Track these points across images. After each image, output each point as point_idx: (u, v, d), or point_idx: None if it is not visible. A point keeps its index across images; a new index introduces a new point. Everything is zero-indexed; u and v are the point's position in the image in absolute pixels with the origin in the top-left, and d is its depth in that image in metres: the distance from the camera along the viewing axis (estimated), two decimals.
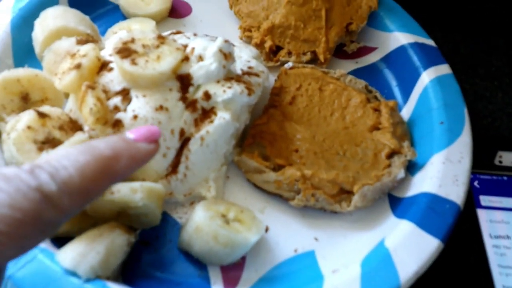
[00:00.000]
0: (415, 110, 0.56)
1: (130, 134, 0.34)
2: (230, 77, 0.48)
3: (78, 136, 0.40)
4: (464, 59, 0.74)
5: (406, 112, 0.57)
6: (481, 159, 0.59)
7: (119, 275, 0.42)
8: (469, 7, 0.80)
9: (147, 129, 0.35)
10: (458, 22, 0.78)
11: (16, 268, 0.39)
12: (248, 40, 0.62)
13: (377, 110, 0.54)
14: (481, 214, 0.55)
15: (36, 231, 0.27)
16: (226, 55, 0.47)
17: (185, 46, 0.48)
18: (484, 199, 0.56)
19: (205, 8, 0.66)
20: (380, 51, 0.62)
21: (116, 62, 0.45)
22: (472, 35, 0.76)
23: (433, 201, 0.46)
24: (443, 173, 0.48)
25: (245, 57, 0.53)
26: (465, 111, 0.53)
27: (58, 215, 0.28)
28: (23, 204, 0.26)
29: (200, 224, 0.43)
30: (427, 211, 0.45)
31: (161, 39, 0.46)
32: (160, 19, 0.63)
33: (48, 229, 0.28)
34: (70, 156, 0.29)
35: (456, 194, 0.46)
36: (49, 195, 0.27)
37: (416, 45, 0.59)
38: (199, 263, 0.45)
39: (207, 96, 0.47)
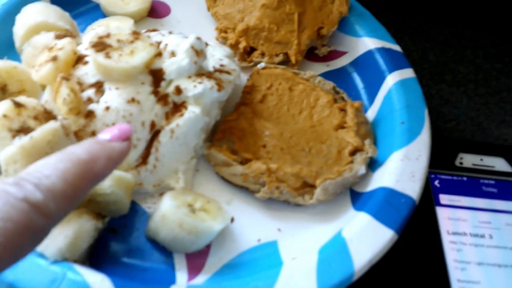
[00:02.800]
0: (379, 111, 0.58)
1: (103, 135, 0.36)
2: (201, 73, 0.51)
3: (51, 124, 0.42)
4: (432, 66, 0.77)
5: (371, 113, 0.59)
6: (443, 160, 0.62)
7: (86, 259, 0.44)
8: (439, 16, 0.83)
9: (118, 128, 0.37)
10: (427, 31, 0.81)
11: None
12: (223, 41, 0.64)
13: (343, 110, 0.57)
14: (440, 212, 0.57)
15: (29, 240, 0.28)
16: (198, 52, 0.50)
17: (159, 43, 0.51)
18: (444, 198, 0.59)
19: (183, 10, 0.69)
20: (349, 55, 0.65)
21: (91, 55, 0.47)
22: (441, 44, 0.80)
23: (390, 195, 0.48)
24: (401, 169, 0.50)
25: (218, 55, 0.56)
26: (426, 112, 0.56)
27: (48, 221, 0.29)
28: (13, 215, 0.27)
29: (167, 212, 0.45)
30: (383, 204, 0.48)
31: (136, 35, 0.49)
32: (139, 19, 0.65)
33: (39, 236, 0.29)
34: (49, 165, 0.31)
35: (412, 189, 0.49)
36: (36, 203, 0.29)
37: (382, 50, 0.62)
38: (165, 251, 0.46)
39: (178, 90, 0.49)
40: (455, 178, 0.61)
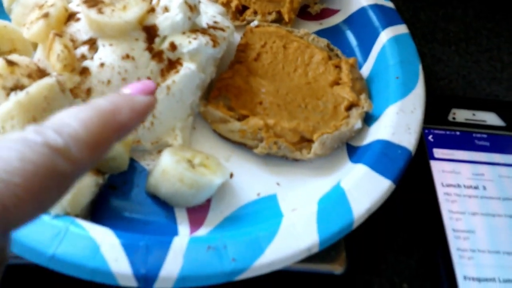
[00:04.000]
0: (373, 67, 0.58)
1: (126, 90, 0.35)
2: (195, 29, 0.50)
3: (46, 79, 0.41)
4: (423, 25, 0.77)
5: (365, 70, 0.59)
6: (436, 116, 0.63)
7: (88, 214, 0.44)
8: None
9: (142, 83, 0.36)
10: None
11: None
12: None
13: (337, 66, 0.57)
14: (434, 165, 0.58)
15: (52, 184, 0.27)
16: (191, 7, 0.49)
17: None
18: (437, 152, 0.59)
19: None
20: (342, 13, 0.65)
21: (83, 12, 0.46)
22: (431, 3, 0.80)
23: (386, 147, 0.49)
24: (397, 122, 0.51)
25: (211, 12, 0.55)
26: (420, 67, 0.56)
27: (72, 166, 0.28)
28: (33, 157, 0.26)
29: (167, 168, 0.45)
30: (380, 156, 0.48)
31: None
32: None
33: (64, 181, 0.28)
34: (71, 114, 0.30)
35: (408, 141, 0.49)
36: (58, 147, 0.27)
37: (375, 7, 0.62)
38: (166, 205, 0.47)
39: (173, 46, 0.48)
40: (448, 132, 0.62)
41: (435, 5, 0.79)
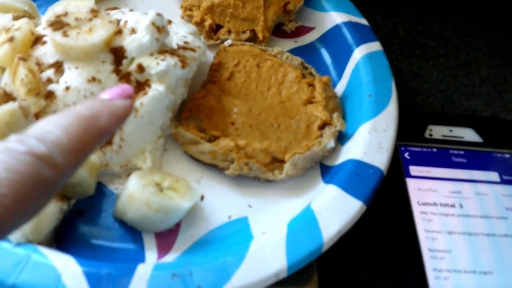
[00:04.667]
0: (348, 85, 0.58)
1: (104, 95, 0.35)
2: (164, 50, 0.50)
3: (9, 105, 0.41)
4: (401, 40, 0.77)
5: (340, 88, 0.59)
6: (412, 133, 0.62)
7: (52, 241, 0.43)
8: None
9: (119, 87, 0.36)
10: (396, 7, 0.81)
11: None
12: (189, 19, 0.63)
13: (311, 85, 0.57)
14: (410, 183, 0.58)
15: (38, 192, 0.27)
16: (159, 28, 0.49)
17: (119, 21, 0.49)
18: (414, 169, 0.59)
19: None
20: (317, 30, 0.65)
21: (49, 35, 0.46)
22: (410, 19, 0.80)
23: (358, 166, 0.48)
24: (369, 141, 0.50)
25: (182, 33, 0.55)
26: (393, 84, 0.56)
27: (56, 173, 0.28)
28: (18, 166, 0.26)
29: (133, 192, 0.44)
30: (351, 176, 0.48)
31: (94, 12, 0.47)
32: None
33: (49, 189, 0.28)
34: (52, 122, 0.30)
35: (380, 160, 0.49)
36: (41, 155, 0.27)
37: (349, 24, 0.62)
38: (134, 231, 0.46)
39: (141, 68, 0.48)
40: (424, 149, 0.61)
41: (413, 20, 0.80)
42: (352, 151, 0.50)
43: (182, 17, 0.64)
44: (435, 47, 0.77)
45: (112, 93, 0.35)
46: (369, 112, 0.53)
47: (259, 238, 0.44)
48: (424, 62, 0.75)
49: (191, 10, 0.63)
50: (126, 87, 0.36)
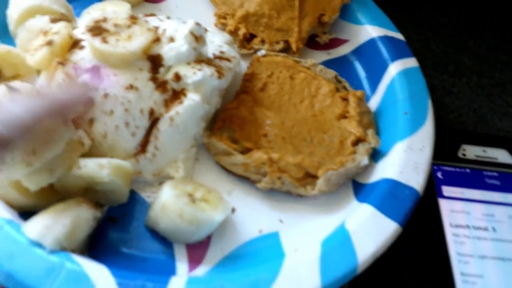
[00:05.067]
0: (382, 100, 0.57)
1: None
2: (200, 60, 0.49)
3: None
4: (434, 56, 0.76)
5: (373, 103, 0.58)
6: (445, 152, 0.61)
7: (85, 249, 0.43)
8: (442, 6, 0.82)
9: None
10: (430, 20, 0.80)
11: None
12: (222, 27, 0.63)
13: (345, 99, 0.56)
14: (443, 204, 0.57)
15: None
16: (197, 38, 0.48)
17: (157, 28, 0.49)
18: (447, 190, 0.58)
19: None
20: (351, 43, 0.64)
21: (88, 40, 0.45)
22: (444, 34, 0.79)
23: (394, 186, 0.47)
24: (405, 160, 0.49)
25: (217, 42, 0.54)
26: (429, 102, 0.55)
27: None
28: None
29: (167, 202, 0.43)
30: (387, 196, 0.47)
31: (133, 19, 0.47)
32: (135, 3, 0.63)
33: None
34: None
35: (416, 180, 0.48)
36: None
37: (385, 38, 0.61)
38: (165, 241, 0.45)
39: (177, 77, 0.47)
40: (458, 169, 0.60)
41: (447, 36, 0.78)
42: (387, 169, 0.49)
43: (216, 25, 0.64)
44: (469, 64, 0.75)
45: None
46: (405, 130, 0.52)
47: (292, 256, 0.43)
48: (457, 79, 0.73)
49: (225, 18, 0.63)
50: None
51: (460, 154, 0.62)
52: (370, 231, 0.44)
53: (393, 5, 0.80)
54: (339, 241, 0.44)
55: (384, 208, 0.46)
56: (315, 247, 0.43)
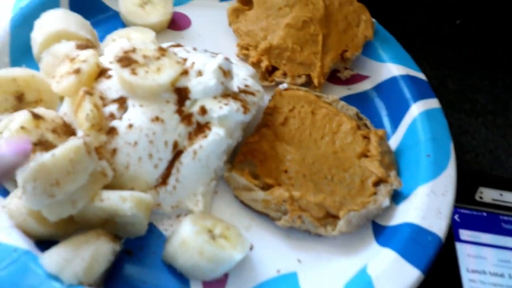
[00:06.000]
0: (403, 140, 0.57)
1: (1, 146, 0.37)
2: (227, 93, 0.49)
3: (73, 141, 0.40)
4: (451, 94, 0.76)
5: (394, 142, 0.58)
6: (463, 194, 0.61)
7: (101, 282, 0.42)
8: (458, 44, 0.82)
9: (19, 143, 0.38)
10: (447, 59, 0.80)
11: None
12: (244, 58, 0.63)
13: (366, 137, 0.55)
14: (460, 247, 0.56)
15: None
16: (225, 73, 0.48)
17: (185, 60, 0.49)
18: (463, 233, 0.57)
19: (204, 23, 0.67)
20: (372, 79, 0.64)
21: (116, 71, 0.45)
22: (460, 72, 0.79)
23: (416, 232, 0.47)
24: (427, 205, 0.49)
25: (242, 75, 0.54)
26: (451, 145, 0.54)
27: None
28: None
29: (187, 238, 0.43)
30: (410, 242, 0.46)
31: (162, 51, 0.47)
32: (159, 30, 0.63)
33: None
34: None
35: (439, 226, 0.47)
36: None
37: (407, 78, 0.61)
38: (182, 277, 0.45)
39: (203, 111, 0.47)
40: (475, 213, 0.59)
41: (464, 74, 0.79)
42: (410, 213, 0.49)
43: (238, 55, 0.64)
44: (484, 103, 0.76)
45: (9, 147, 0.37)
46: (427, 173, 0.51)
47: None
48: (473, 118, 0.73)
49: (247, 49, 0.63)
50: (24, 146, 0.37)
51: (477, 197, 0.61)
52: (393, 277, 0.43)
53: (410, 42, 0.80)
54: (361, 286, 0.43)
55: (407, 254, 0.45)
56: None
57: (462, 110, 0.74)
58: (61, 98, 0.50)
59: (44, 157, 0.38)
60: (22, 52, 0.56)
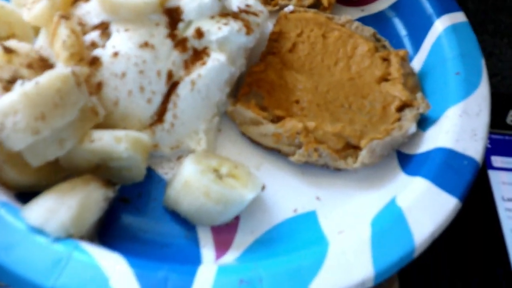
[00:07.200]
0: (427, 60, 0.51)
1: None
2: (226, 13, 0.43)
3: (60, 69, 0.34)
4: (472, 14, 0.68)
5: (417, 63, 0.52)
6: (493, 118, 0.55)
7: (95, 234, 0.37)
8: None
9: None
10: None
11: None
12: None
13: (386, 59, 0.49)
14: (493, 175, 0.51)
15: None
16: None
17: None
18: (496, 160, 0.52)
19: None
20: None
21: None
22: None
23: (450, 156, 0.41)
24: (460, 127, 0.43)
25: None
26: (483, 61, 0.48)
27: None
28: None
29: (190, 179, 0.38)
30: (443, 167, 0.41)
31: None
32: None
33: None
34: None
35: (475, 149, 0.42)
36: None
37: None
38: (187, 224, 0.40)
39: (200, 33, 0.41)
40: (507, 137, 0.54)
41: None
42: (440, 138, 0.43)
43: None
44: (509, 23, 0.69)
45: None
46: (458, 93, 0.45)
47: (336, 239, 0.37)
48: (498, 39, 0.67)
49: None
50: None
51: (508, 121, 0.55)
52: (426, 208, 0.38)
53: None
54: (391, 220, 0.38)
55: (441, 181, 0.40)
56: (364, 228, 0.37)
57: (485, 31, 0.67)
58: (36, 32, 0.43)
59: (26, 87, 0.33)
60: None
